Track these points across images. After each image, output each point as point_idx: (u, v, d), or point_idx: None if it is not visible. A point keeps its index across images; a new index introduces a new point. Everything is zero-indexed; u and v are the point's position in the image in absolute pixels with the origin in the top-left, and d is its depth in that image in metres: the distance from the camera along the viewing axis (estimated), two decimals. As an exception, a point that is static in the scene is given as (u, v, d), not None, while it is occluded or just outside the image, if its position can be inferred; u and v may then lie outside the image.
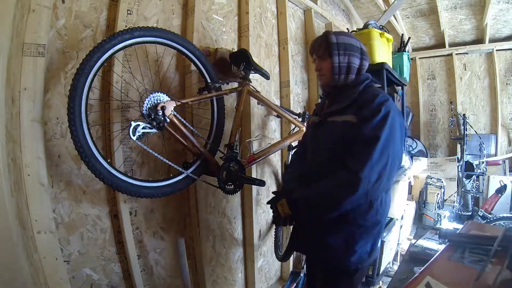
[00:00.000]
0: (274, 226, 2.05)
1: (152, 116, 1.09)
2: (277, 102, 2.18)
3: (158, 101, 1.12)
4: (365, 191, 0.92)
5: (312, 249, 1.15)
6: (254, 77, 1.67)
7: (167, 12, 1.52)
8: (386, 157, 0.93)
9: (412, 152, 3.77)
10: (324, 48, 1.08)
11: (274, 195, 1.17)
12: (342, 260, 1.05)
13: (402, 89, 3.09)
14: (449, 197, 3.27)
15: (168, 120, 1.14)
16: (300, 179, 1.20)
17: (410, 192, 3.31)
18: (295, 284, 1.93)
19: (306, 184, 1.10)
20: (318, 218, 1.06)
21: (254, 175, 1.85)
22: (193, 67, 1.44)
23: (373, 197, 0.99)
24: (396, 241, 2.53)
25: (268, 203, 1.16)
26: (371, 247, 1.06)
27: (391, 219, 2.37)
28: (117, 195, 1.27)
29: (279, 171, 2.17)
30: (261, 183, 1.45)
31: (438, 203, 3.07)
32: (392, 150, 0.94)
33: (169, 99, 1.15)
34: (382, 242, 2.09)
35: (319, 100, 2.54)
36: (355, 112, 1.01)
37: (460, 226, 2.03)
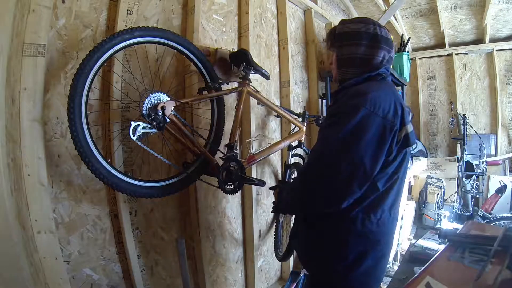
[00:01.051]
0: (274, 226, 2.05)
1: (152, 116, 1.09)
2: (277, 102, 2.18)
3: (158, 101, 1.12)
4: (307, 197, 0.84)
5: (297, 244, 1.12)
6: (254, 77, 1.67)
7: (167, 12, 1.52)
8: (338, 163, 0.79)
9: (412, 152, 3.77)
10: (330, 40, 1.02)
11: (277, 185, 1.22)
12: (316, 265, 1.00)
13: (402, 89, 3.10)
14: (449, 197, 3.27)
15: (168, 120, 1.13)
16: None
17: (410, 192, 3.31)
18: (295, 284, 1.93)
19: None
20: (288, 210, 1.14)
21: (254, 175, 1.85)
22: (193, 67, 1.44)
23: (323, 208, 0.86)
24: (396, 241, 2.53)
25: (270, 188, 1.24)
26: (344, 269, 0.91)
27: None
28: (117, 195, 1.27)
29: (279, 171, 2.17)
30: (261, 183, 1.45)
31: (438, 203, 3.06)
32: (352, 157, 0.79)
33: (169, 99, 1.15)
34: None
35: (319, 100, 2.55)
36: (330, 108, 0.94)
37: (460, 226, 2.03)
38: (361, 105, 0.80)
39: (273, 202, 1.18)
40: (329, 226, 0.93)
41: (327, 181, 0.81)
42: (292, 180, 1.19)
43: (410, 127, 0.87)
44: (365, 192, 0.84)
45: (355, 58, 0.94)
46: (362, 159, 0.80)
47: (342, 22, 1.00)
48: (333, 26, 2.85)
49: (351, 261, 0.90)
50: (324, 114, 2.47)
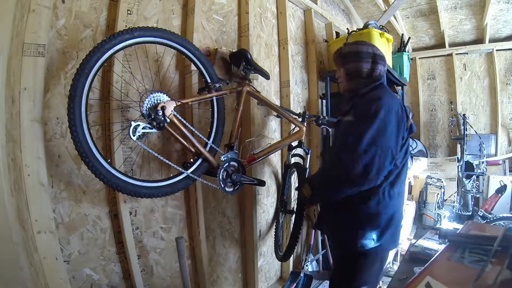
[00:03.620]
0: (274, 226, 2.05)
1: (152, 116, 1.09)
2: (277, 102, 2.18)
3: (158, 101, 1.12)
4: (353, 178, 1.07)
5: (327, 228, 1.35)
6: (254, 77, 1.67)
7: (167, 12, 1.52)
8: (374, 149, 1.05)
9: (412, 152, 3.77)
10: (338, 59, 1.28)
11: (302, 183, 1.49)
12: (348, 241, 1.18)
13: (402, 89, 3.09)
14: (449, 197, 3.27)
15: (168, 120, 1.13)
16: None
17: (410, 192, 3.31)
18: (295, 284, 1.92)
19: None
20: (325, 197, 1.27)
21: (254, 175, 1.85)
22: (193, 67, 1.44)
23: (367, 185, 1.09)
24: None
25: (296, 189, 1.50)
26: (378, 235, 1.14)
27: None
28: (117, 195, 1.27)
29: (279, 171, 2.17)
30: (261, 183, 1.45)
31: (438, 203, 3.07)
32: (383, 143, 1.06)
33: (169, 99, 1.15)
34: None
35: (319, 100, 2.55)
36: (353, 111, 1.18)
37: (460, 226, 2.03)
38: (381, 108, 1.08)
39: (301, 196, 1.44)
40: (361, 201, 1.15)
41: (365, 165, 1.05)
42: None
43: (411, 120, 1.20)
44: (390, 169, 1.13)
45: (361, 72, 1.21)
46: (389, 144, 1.09)
47: (346, 44, 1.30)
48: (333, 26, 2.86)
49: (383, 226, 1.15)
50: (324, 114, 2.47)
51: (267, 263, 2.09)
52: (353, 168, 1.06)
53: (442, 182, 3.22)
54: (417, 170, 3.43)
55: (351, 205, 1.17)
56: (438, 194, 3.09)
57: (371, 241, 1.15)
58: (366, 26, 2.41)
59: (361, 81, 1.22)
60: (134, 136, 1.05)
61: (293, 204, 1.98)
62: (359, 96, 1.21)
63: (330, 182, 1.19)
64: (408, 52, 3.28)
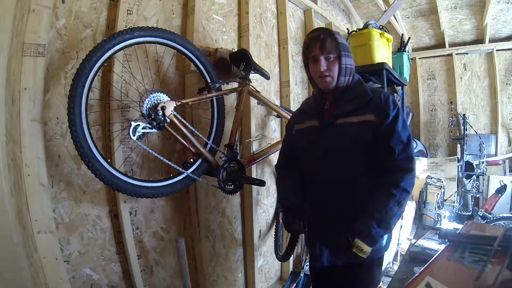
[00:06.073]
0: (274, 226, 2.05)
1: (152, 116, 1.09)
2: (277, 102, 2.18)
3: (158, 101, 1.12)
4: (411, 186, 1.02)
5: (334, 246, 1.08)
6: (254, 77, 1.67)
7: (167, 12, 1.52)
8: (412, 146, 1.04)
9: (412, 152, 3.75)
10: (334, 47, 1.03)
11: (337, 243, 1.03)
12: (377, 251, 1.08)
13: (402, 89, 3.09)
14: (449, 197, 3.27)
15: (168, 120, 1.14)
16: (303, 187, 1.16)
17: (410, 192, 3.31)
18: (295, 284, 1.93)
19: (319, 192, 1.12)
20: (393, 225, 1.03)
21: (254, 175, 1.85)
22: (193, 67, 1.44)
23: None
24: (396, 241, 2.53)
25: (344, 253, 0.99)
26: (390, 236, 1.15)
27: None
28: (117, 195, 1.27)
29: (279, 171, 2.16)
30: (261, 183, 1.45)
31: (438, 203, 3.06)
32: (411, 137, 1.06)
33: (169, 99, 1.15)
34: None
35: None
36: (374, 111, 1.01)
37: (460, 226, 2.03)
38: (393, 97, 1.04)
39: (355, 251, 0.95)
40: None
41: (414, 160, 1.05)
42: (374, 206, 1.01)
43: None
44: None
45: (352, 68, 1.08)
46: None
47: (337, 33, 1.09)
48: (333, 26, 2.85)
49: None
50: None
51: (267, 263, 2.09)
52: (415, 174, 1.02)
53: (442, 182, 3.22)
54: (417, 170, 3.43)
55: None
56: (438, 194, 3.09)
57: (388, 244, 1.13)
58: (366, 26, 2.41)
59: (350, 78, 1.08)
60: (134, 136, 1.05)
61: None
62: (371, 93, 1.04)
63: (395, 209, 0.98)
64: (408, 52, 3.28)
